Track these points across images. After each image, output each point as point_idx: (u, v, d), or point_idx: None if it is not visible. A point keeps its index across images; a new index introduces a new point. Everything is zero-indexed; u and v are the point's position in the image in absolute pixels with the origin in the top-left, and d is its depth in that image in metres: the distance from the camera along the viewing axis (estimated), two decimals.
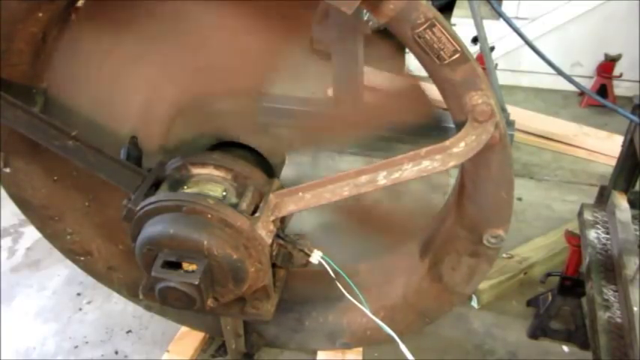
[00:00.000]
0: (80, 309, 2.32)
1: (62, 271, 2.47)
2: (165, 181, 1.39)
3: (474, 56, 1.13)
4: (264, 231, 1.29)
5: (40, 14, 1.26)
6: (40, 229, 1.77)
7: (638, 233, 1.78)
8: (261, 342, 1.91)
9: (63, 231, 1.75)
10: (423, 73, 1.19)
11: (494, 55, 2.95)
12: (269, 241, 1.30)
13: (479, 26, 2.55)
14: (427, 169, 1.18)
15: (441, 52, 1.08)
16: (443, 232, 1.53)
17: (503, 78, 3.22)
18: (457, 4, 3.94)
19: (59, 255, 1.85)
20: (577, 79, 1.71)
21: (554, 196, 2.88)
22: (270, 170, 1.53)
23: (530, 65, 3.77)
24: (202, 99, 1.45)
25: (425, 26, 1.06)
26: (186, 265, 1.27)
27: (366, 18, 1.82)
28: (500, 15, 1.68)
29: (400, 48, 1.24)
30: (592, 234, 1.89)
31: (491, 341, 2.12)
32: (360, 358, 1.92)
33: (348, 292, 1.40)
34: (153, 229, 1.29)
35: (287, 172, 1.58)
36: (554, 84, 3.73)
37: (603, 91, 3.60)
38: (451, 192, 1.54)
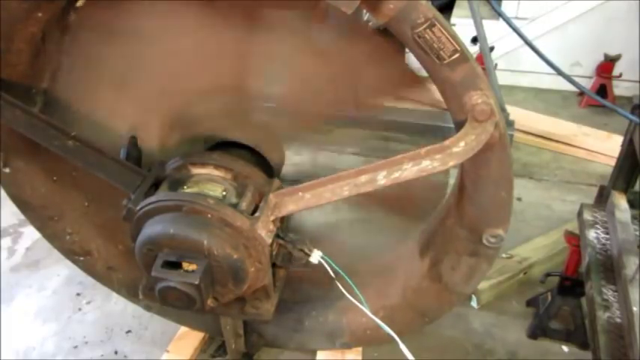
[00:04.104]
0: (80, 309, 2.32)
1: (62, 271, 2.48)
2: (165, 181, 1.39)
3: (474, 56, 1.13)
4: (264, 231, 1.29)
5: (40, 14, 1.26)
6: (39, 229, 1.77)
7: (637, 233, 1.79)
8: (261, 342, 1.91)
9: (62, 231, 1.75)
10: (423, 73, 1.19)
11: (494, 55, 2.95)
12: (269, 240, 1.30)
13: (479, 26, 2.55)
14: (427, 168, 1.18)
15: (441, 52, 1.08)
16: (443, 232, 1.53)
17: (502, 78, 3.22)
18: (457, 4, 3.94)
19: (59, 255, 1.85)
20: (576, 79, 1.71)
21: (554, 196, 2.88)
22: (270, 170, 1.53)
23: (530, 65, 3.77)
24: (206, 98, 1.45)
25: (425, 26, 1.06)
26: (186, 265, 1.27)
27: (366, 18, 1.82)
28: (500, 15, 1.68)
29: (400, 48, 1.24)
30: (591, 234, 1.89)
31: (490, 341, 2.12)
32: (360, 358, 1.92)
33: (347, 292, 1.40)
34: (153, 229, 1.29)
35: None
36: (554, 84, 3.73)
37: (603, 91, 3.61)
38: (451, 192, 1.54)
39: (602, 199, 2.01)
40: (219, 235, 1.26)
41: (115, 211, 1.40)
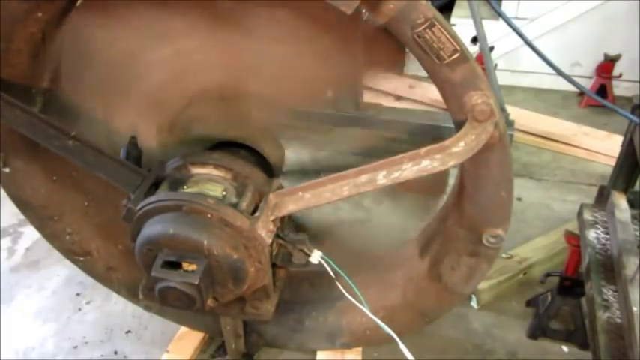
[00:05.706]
0: (79, 309, 2.32)
1: (62, 271, 2.47)
2: (164, 181, 1.39)
3: (474, 56, 1.13)
4: (264, 231, 1.29)
5: (40, 14, 1.26)
6: (39, 229, 1.76)
7: (637, 233, 1.79)
8: (261, 342, 1.91)
9: (62, 231, 1.75)
10: (423, 73, 1.19)
11: (494, 55, 2.95)
12: (269, 240, 1.30)
13: (479, 26, 2.55)
14: (427, 168, 1.19)
15: (441, 52, 1.08)
16: (443, 232, 1.53)
17: (502, 78, 3.22)
18: (457, 4, 3.94)
19: (59, 255, 1.85)
20: (576, 79, 1.72)
21: (554, 196, 2.88)
22: (269, 170, 1.53)
23: (530, 65, 3.77)
24: (209, 99, 1.44)
25: (424, 26, 1.06)
26: (186, 265, 1.27)
27: (365, 18, 1.82)
28: (499, 15, 1.69)
29: (400, 48, 1.24)
30: (591, 234, 1.89)
31: (490, 341, 2.12)
32: (360, 358, 1.92)
33: (347, 292, 1.40)
34: (153, 228, 1.29)
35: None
36: (554, 84, 3.74)
37: (602, 91, 3.61)
38: (451, 192, 1.54)
39: (602, 199, 2.01)
40: (219, 235, 1.26)
41: (115, 211, 1.39)
